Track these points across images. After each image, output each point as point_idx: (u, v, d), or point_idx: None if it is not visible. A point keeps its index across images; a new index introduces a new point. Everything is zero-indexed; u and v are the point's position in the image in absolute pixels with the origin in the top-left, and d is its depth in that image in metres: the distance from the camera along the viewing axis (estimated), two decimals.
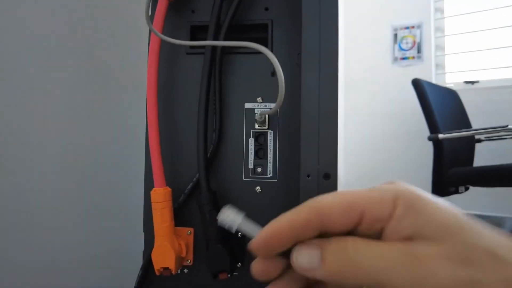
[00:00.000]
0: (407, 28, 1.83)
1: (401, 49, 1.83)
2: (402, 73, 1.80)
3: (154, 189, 0.35)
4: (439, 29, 1.83)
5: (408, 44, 1.82)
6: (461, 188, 1.32)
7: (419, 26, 1.81)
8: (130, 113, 0.55)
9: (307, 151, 0.29)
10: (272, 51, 0.38)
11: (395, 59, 1.84)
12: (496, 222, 1.55)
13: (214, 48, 0.37)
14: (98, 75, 0.51)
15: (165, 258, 0.35)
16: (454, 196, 1.34)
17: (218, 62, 0.37)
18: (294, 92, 0.37)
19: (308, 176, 0.30)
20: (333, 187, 0.29)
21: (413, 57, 1.80)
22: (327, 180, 0.29)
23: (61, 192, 0.48)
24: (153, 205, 0.35)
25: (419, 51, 1.80)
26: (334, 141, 0.29)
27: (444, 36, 1.82)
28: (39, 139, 0.45)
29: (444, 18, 1.82)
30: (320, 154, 0.29)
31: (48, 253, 0.46)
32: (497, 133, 1.41)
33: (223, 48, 0.38)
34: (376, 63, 1.88)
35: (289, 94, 0.37)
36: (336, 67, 0.30)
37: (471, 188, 1.39)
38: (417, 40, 1.81)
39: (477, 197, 1.54)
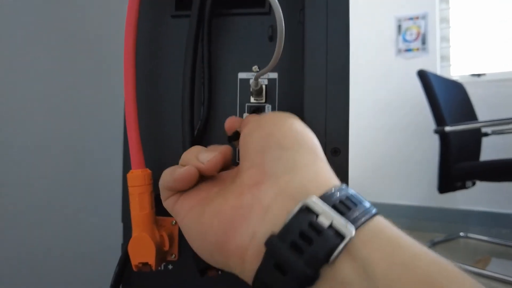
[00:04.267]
0: (411, 19, 1.77)
1: (405, 40, 1.77)
2: (406, 65, 1.75)
3: (131, 171, 0.30)
4: (445, 20, 1.77)
5: (412, 35, 1.76)
6: (468, 183, 1.27)
7: (423, 17, 1.76)
8: (105, 87, 0.49)
9: (312, 121, 0.24)
10: (270, 11, 0.33)
11: (399, 51, 1.78)
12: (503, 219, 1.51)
13: (201, 8, 0.31)
14: (67, 43, 0.45)
15: (143, 251, 0.30)
16: (460, 191, 1.29)
17: (206, 24, 0.32)
18: (295, 58, 0.31)
19: None
20: (343, 164, 0.24)
21: (418, 49, 1.74)
22: (336, 156, 0.24)
23: (35, 177, 0.42)
24: (130, 190, 0.30)
25: (423, 42, 1.74)
26: (345, 109, 0.24)
27: (449, 27, 1.76)
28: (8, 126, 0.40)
29: (449, 8, 1.76)
30: (328, 125, 0.24)
31: (27, 247, 0.41)
32: (505, 126, 1.36)
33: (213, 8, 0.32)
34: (380, 55, 1.82)
35: (289, 61, 0.32)
36: (347, 19, 0.25)
37: (478, 183, 1.34)
38: (422, 31, 1.75)
39: (484, 192, 1.49)
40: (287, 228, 0.15)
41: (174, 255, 0.33)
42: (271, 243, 0.15)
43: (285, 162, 0.18)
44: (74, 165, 0.47)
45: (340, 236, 0.14)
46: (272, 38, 0.33)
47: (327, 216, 0.15)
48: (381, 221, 0.16)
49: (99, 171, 0.48)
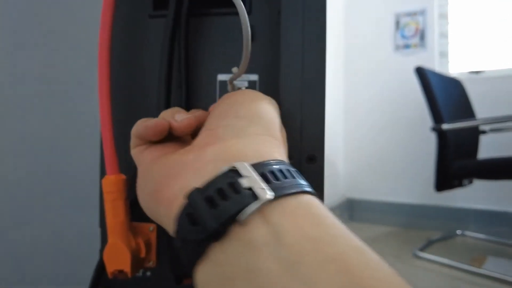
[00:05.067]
0: (409, 14, 1.75)
1: (403, 36, 1.75)
2: (404, 61, 1.73)
3: (106, 176, 0.29)
4: (443, 16, 1.75)
5: (410, 31, 1.74)
6: (465, 181, 1.26)
7: (422, 13, 1.73)
8: (80, 92, 0.48)
9: (287, 128, 0.23)
10: (250, 10, 0.31)
11: (397, 47, 1.76)
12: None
13: (178, 7, 0.30)
14: (43, 45, 0.44)
15: (119, 259, 0.29)
16: (457, 189, 1.28)
17: (184, 25, 0.31)
18: (277, 60, 0.30)
19: (290, 158, 0.24)
20: (318, 172, 0.23)
21: (416, 45, 1.73)
22: (312, 164, 0.23)
23: (12, 183, 0.42)
24: (105, 196, 0.29)
25: (422, 38, 1.72)
26: (321, 115, 0.23)
27: (448, 23, 1.74)
28: None
29: (448, 4, 1.74)
30: (304, 132, 0.23)
31: (6, 248, 0.40)
32: (503, 123, 1.35)
33: (190, 8, 0.31)
34: (378, 51, 1.80)
35: (271, 62, 0.31)
36: (323, 24, 0.24)
37: (474, 181, 1.33)
38: (420, 27, 1.73)
39: (481, 190, 1.48)
40: (209, 184, 0.16)
41: (152, 262, 0.32)
42: (191, 195, 0.16)
43: (236, 129, 0.19)
44: (56, 167, 0.46)
45: (257, 199, 0.14)
46: (253, 38, 0.32)
47: (250, 180, 0.15)
48: (311, 199, 0.16)
49: (79, 173, 0.47)
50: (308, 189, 0.16)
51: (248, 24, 0.19)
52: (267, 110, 0.21)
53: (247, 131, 0.19)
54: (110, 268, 0.29)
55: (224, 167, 0.16)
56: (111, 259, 0.29)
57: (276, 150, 0.19)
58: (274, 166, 0.16)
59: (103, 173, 0.33)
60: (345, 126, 1.86)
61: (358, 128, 1.83)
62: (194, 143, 0.20)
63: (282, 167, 0.17)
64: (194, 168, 0.18)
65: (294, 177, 0.16)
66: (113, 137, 0.29)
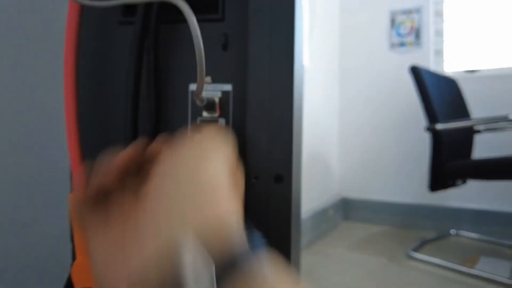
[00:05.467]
0: (405, 12, 1.74)
1: (398, 34, 1.74)
2: (399, 59, 1.72)
3: (73, 192, 0.28)
4: (439, 14, 1.73)
5: (406, 29, 1.72)
6: (459, 181, 1.26)
7: (417, 11, 1.72)
8: (47, 99, 0.46)
9: (254, 146, 0.22)
10: (223, 17, 0.30)
11: (392, 45, 1.75)
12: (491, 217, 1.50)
13: (147, 13, 0.29)
14: (9, 54, 0.43)
15: (87, 276, 0.28)
16: (452, 189, 1.27)
17: (153, 32, 0.30)
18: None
19: (256, 178, 0.22)
20: (286, 192, 0.21)
21: (411, 43, 1.71)
22: (279, 183, 0.22)
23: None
24: (72, 214, 0.28)
25: (417, 36, 1.71)
26: (289, 132, 0.22)
27: (444, 21, 1.73)
28: None
29: (443, 2, 1.72)
30: (271, 150, 0.22)
31: None
32: (497, 123, 1.34)
33: (159, 14, 0.30)
34: (373, 49, 1.79)
35: (245, 71, 0.29)
36: (291, 27, 0.22)
37: (468, 181, 1.32)
38: (415, 25, 1.72)
39: (475, 190, 1.48)
40: None
41: None
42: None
43: (174, 218, 0.18)
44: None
45: None
46: (227, 46, 0.30)
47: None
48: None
49: (52, 180, 0.46)
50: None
51: (200, 41, 0.18)
52: (211, 179, 0.19)
53: (186, 219, 0.17)
54: (78, 285, 0.28)
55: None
56: (79, 276, 0.28)
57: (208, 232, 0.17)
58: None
59: (72, 188, 0.32)
60: (339, 125, 1.85)
61: (352, 127, 1.82)
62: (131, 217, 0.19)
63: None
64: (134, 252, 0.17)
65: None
66: (79, 153, 0.28)
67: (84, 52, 0.31)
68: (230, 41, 0.30)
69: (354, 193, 1.79)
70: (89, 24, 0.32)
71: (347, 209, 1.80)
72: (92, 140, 0.31)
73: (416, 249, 1.32)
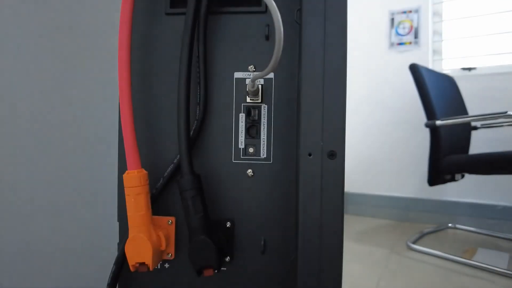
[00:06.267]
0: (404, 12, 1.78)
1: (398, 34, 1.78)
2: (398, 58, 1.76)
3: (127, 171, 0.30)
4: (437, 14, 1.78)
5: (405, 29, 1.77)
6: (458, 176, 1.30)
7: (416, 11, 1.76)
8: (100, 86, 0.48)
9: (308, 124, 0.24)
10: (266, 9, 0.32)
11: (392, 44, 1.79)
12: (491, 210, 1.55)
13: (197, 5, 0.31)
14: (60, 43, 0.44)
15: (140, 252, 0.30)
16: (450, 184, 1.32)
17: (202, 23, 0.32)
18: (292, 58, 0.31)
19: (310, 154, 0.25)
20: (339, 168, 0.24)
21: (410, 42, 1.75)
22: (333, 159, 0.24)
23: (29, 178, 0.42)
24: (126, 191, 0.30)
25: (416, 36, 1.75)
26: (342, 112, 0.24)
27: (442, 21, 1.77)
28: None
29: (442, 2, 1.77)
30: (325, 128, 0.24)
31: (22, 245, 0.40)
32: (495, 119, 1.38)
33: (209, 6, 0.32)
34: (373, 48, 1.82)
35: (286, 60, 0.32)
36: (344, 22, 0.25)
37: (466, 175, 1.37)
38: (414, 25, 1.76)
39: (472, 184, 1.53)
40: None
41: (170, 254, 0.33)
42: None
43: None
44: (70, 163, 0.46)
45: None
46: (269, 37, 0.32)
47: None
48: None
49: (95, 168, 0.47)
50: None
51: (282, 30, 0.20)
52: None
53: None
54: (132, 261, 0.30)
55: None
56: (133, 252, 0.30)
57: None
58: None
59: (121, 168, 0.34)
60: None
61: (353, 124, 1.85)
62: None
63: None
64: None
65: None
66: (134, 134, 0.30)
67: (132, 42, 0.33)
68: (271, 32, 0.32)
69: (355, 188, 1.83)
70: (135, 16, 0.34)
71: (348, 203, 1.84)
72: (144, 124, 0.33)
73: (415, 241, 1.36)
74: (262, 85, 0.32)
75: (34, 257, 0.42)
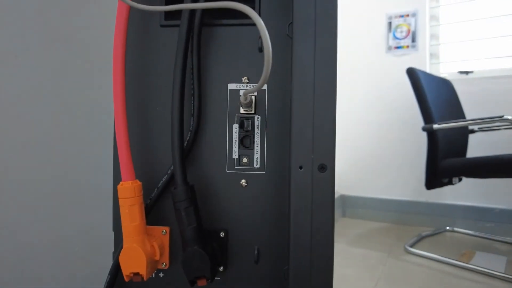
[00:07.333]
0: (401, 16, 1.79)
1: (395, 38, 1.79)
2: (396, 62, 1.77)
3: (121, 182, 0.30)
4: (434, 18, 1.79)
5: (402, 32, 1.78)
6: (455, 179, 1.30)
7: (414, 15, 1.77)
8: (95, 97, 0.49)
9: (299, 137, 0.24)
10: None
11: (389, 48, 1.80)
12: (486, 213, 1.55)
13: (191, 18, 0.31)
14: (56, 54, 0.44)
15: (134, 262, 0.30)
16: (447, 187, 1.32)
17: (196, 35, 0.32)
18: (285, 70, 0.32)
19: (301, 167, 0.25)
20: (329, 180, 0.24)
21: (408, 46, 1.76)
22: (323, 172, 0.24)
23: (25, 185, 0.42)
24: (120, 201, 0.30)
25: (413, 40, 1.76)
26: (332, 126, 0.25)
27: (439, 25, 1.78)
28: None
29: (439, 6, 1.78)
30: (315, 141, 0.25)
31: (14, 254, 0.41)
32: (491, 123, 1.39)
33: (202, 18, 0.32)
34: (370, 52, 1.83)
35: (279, 72, 0.32)
36: (334, 37, 0.25)
37: (464, 179, 1.37)
38: (412, 29, 1.77)
39: (470, 187, 1.53)
40: None
41: (165, 264, 0.33)
42: None
43: None
44: (66, 170, 0.47)
45: None
46: (262, 49, 0.33)
47: None
48: None
49: (91, 176, 0.48)
50: None
51: (269, 43, 0.20)
52: None
53: None
54: (126, 271, 0.30)
55: None
56: (127, 262, 0.30)
57: None
58: None
59: (116, 178, 0.34)
60: (338, 125, 1.88)
61: (350, 127, 1.86)
62: None
63: None
64: None
65: None
66: (128, 146, 0.30)
67: (128, 52, 0.33)
68: None
69: (353, 191, 1.84)
70: (131, 26, 0.34)
71: (346, 206, 1.84)
72: (138, 135, 0.33)
73: (413, 244, 1.36)
74: (255, 96, 0.33)
75: (29, 265, 0.43)
